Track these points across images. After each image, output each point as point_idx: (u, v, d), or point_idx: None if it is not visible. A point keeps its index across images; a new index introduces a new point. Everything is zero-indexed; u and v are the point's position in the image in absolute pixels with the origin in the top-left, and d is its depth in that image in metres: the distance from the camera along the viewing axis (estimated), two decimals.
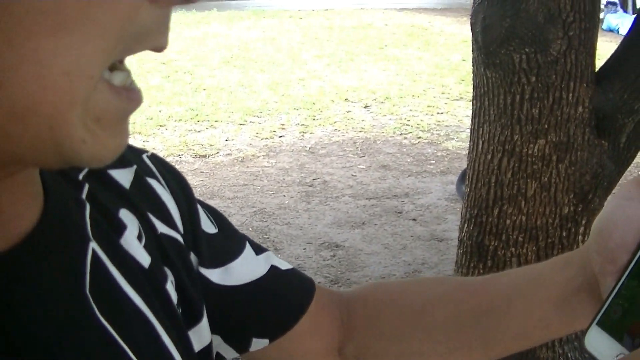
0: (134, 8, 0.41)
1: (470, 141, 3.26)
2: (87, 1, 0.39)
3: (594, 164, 3.03)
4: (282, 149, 7.25)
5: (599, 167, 3.04)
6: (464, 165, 6.54)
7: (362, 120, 8.22)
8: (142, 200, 0.66)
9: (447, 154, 7.14)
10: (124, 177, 0.65)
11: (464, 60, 11.36)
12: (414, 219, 5.52)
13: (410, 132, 7.69)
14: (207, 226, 0.75)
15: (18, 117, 0.40)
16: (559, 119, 2.93)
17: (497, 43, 2.81)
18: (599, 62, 3.03)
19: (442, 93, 9.41)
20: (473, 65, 3.09)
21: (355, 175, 6.45)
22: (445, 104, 8.96)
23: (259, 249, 0.81)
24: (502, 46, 2.81)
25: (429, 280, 0.98)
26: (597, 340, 0.61)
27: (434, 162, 6.90)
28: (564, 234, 3.14)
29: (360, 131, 7.82)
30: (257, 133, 7.72)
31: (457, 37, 13.21)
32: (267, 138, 7.58)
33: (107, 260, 0.57)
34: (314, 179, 6.26)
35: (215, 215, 0.78)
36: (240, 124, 8.01)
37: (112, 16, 0.40)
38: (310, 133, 7.75)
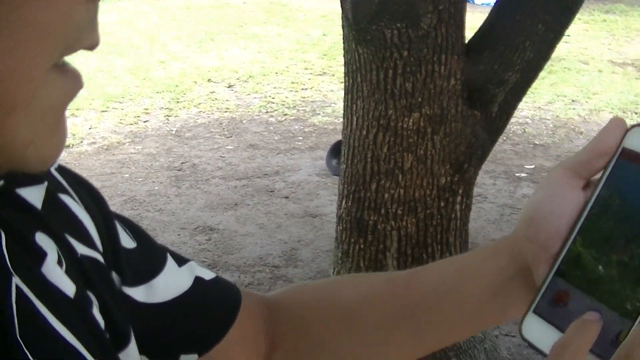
0: (70, 6, 0.40)
1: (344, 118, 3.25)
2: (23, 3, 0.37)
3: (468, 134, 3.08)
4: (148, 134, 7.08)
5: (473, 137, 3.09)
6: (332, 140, 6.62)
7: (227, 101, 8.13)
8: (57, 221, 0.60)
9: (315, 130, 7.16)
10: (34, 195, 0.58)
11: (324, 35, 11.42)
12: (287, 197, 5.51)
13: (276, 110, 7.67)
14: (126, 241, 0.70)
15: None
16: (432, 92, 2.96)
17: (368, 19, 2.80)
18: (472, 35, 3.09)
19: (305, 69, 9.42)
20: (344, 42, 3.07)
21: (224, 157, 6.37)
22: (309, 79, 8.98)
23: (180, 260, 0.76)
24: (373, 22, 2.80)
25: (354, 279, 0.95)
26: (534, 328, 0.61)
27: (301, 138, 6.90)
28: (442, 204, 3.18)
29: (225, 111, 7.73)
30: (121, 119, 7.51)
31: (317, 12, 13.24)
32: (131, 124, 7.39)
33: (32, 295, 0.51)
34: (182, 163, 6.15)
35: (132, 228, 0.73)
36: (103, 111, 7.77)
37: (50, 17, 0.39)
38: (175, 116, 7.60)
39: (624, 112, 8.26)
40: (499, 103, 3.11)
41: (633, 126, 0.61)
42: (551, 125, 7.61)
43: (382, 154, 3.09)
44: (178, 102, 8.06)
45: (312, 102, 8.07)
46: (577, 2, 2.99)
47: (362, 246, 3.27)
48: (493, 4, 3.22)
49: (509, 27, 2.99)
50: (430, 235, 3.22)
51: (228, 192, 5.52)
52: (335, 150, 6.08)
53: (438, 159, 3.09)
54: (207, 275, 0.78)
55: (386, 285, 0.82)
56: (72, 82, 0.44)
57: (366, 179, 3.16)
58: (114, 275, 0.66)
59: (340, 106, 7.71)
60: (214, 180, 5.78)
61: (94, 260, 0.62)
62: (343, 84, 8.67)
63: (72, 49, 0.42)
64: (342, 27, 3.02)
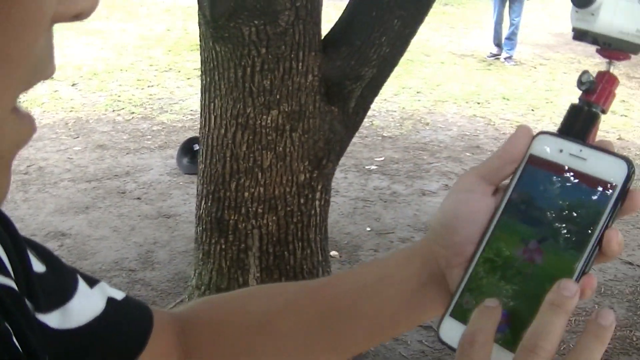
0: (34, 37, 0.36)
1: (201, 117, 3.20)
2: None
3: (326, 130, 3.09)
4: None
5: (331, 133, 3.11)
6: (181, 138, 6.52)
7: (71, 100, 7.84)
8: None
9: (163, 128, 7.03)
10: None
11: (168, 30, 11.25)
12: (139, 198, 5.38)
13: (123, 108, 7.47)
14: (36, 265, 0.66)
15: None
16: (290, 89, 2.95)
17: (225, 16, 2.76)
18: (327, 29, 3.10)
19: (151, 65, 9.24)
20: (200, 40, 3.02)
21: (72, 158, 6.14)
22: (155, 76, 8.81)
23: (91, 281, 0.73)
24: (231, 19, 2.76)
25: (266, 290, 0.94)
26: (452, 331, 0.63)
27: (150, 137, 6.76)
28: (302, 200, 3.18)
29: (70, 111, 7.45)
30: None
31: (160, 6, 13.04)
32: None
33: None
34: (28, 166, 5.87)
35: (39, 250, 0.69)
36: None
37: (15, 49, 0.35)
38: None
39: (466, 102, 8.56)
40: (356, 98, 3.14)
41: (538, 133, 0.65)
42: (398, 117, 7.78)
43: (241, 152, 3.06)
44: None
45: (160, 99, 7.92)
46: None
47: (223, 246, 3.23)
48: None
49: (366, 22, 3.01)
50: (292, 232, 3.21)
51: (78, 195, 5.32)
52: (185, 149, 6.00)
53: (297, 156, 3.08)
54: (118, 295, 0.76)
55: (300, 293, 0.83)
56: (28, 125, 0.40)
57: (225, 179, 3.12)
58: (27, 302, 0.62)
59: (188, 103, 7.69)
60: (62, 183, 5.56)
61: (8, 289, 0.59)
62: (189, 80, 8.57)
63: (31, 84, 0.38)
64: (199, 25, 2.97)
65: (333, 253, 4.45)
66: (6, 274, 0.59)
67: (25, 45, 0.36)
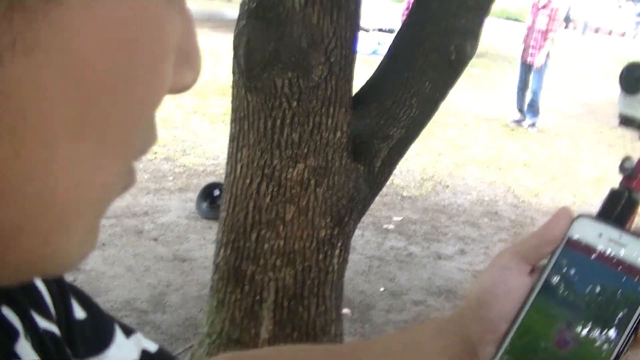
0: (154, 111, 0.39)
1: (227, 164, 3.19)
2: (116, 107, 0.36)
3: (350, 188, 3.08)
4: None
5: (355, 191, 3.10)
6: (202, 182, 6.53)
7: None
8: (19, 292, 0.55)
9: (185, 170, 7.05)
10: None
11: None
12: (156, 239, 5.37)
13: None
14: (77, 311, 0.65)
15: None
16: (318, 144, 2.95)
17: (260, 67, 2.76)
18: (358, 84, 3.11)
19: (177, 106, 9.29)
20: (233, 88, 3.03)
21: None
22: (181, 117, 8.86)
23: (127, 331, 0.72)
24: (265, 70, 2.77)
25: (294, 352, 0.93)
26: None
27: (172, 178, 6.78)
28: (320, 257, 3.16)
29: None
30: None
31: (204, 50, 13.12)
32: None
33: None
34: None
35: (80, 296, 0.68)
36: None
37: (137, 122, 0.38)
38: None
39: (487, 167, 8.55)
40: (383, 158, 3.14)
41: (578, 216, 0.65)
42: (419, 178, 7.78)
43: (264, 204, 3.04)
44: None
45: (183, 141, 7.96)
46: (462, 63, 3.06)
47: (238, 296, 3.20)
48: (383, 55, 3.25)
49: (397, 82, 3.02)
50: (307, 287, 3.18)
51: None
52: (206, 193, 6.01)
53: (319, 212, 3.07)
54: (152, 347, 0.75)
55: (328, 358, 0.82)
56: (132, 180, 0.42)
57: (247, 229, 3.10)
58: (67, 349, 0.62)
59: (211, 147, 7.71)
60: None
61: (52, 335, 0.58)
62: (214, 125, 8.62)
63: (144, 152, 0.41)
64: (233, 72, 2.97)
65: (345, 310, 4.41)
66: (50, 318, 0.59)
67: (145, 119, 0.39)
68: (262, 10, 2.73)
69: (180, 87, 0.42)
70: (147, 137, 0.40)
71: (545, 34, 10.63)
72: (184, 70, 0.41)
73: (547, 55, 10.78)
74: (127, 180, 0.41)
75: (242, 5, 2.85)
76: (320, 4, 2.73)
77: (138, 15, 0.36)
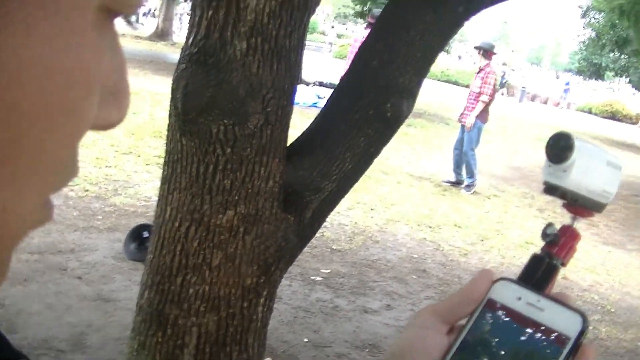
0: (76, 145, 0.40)
1: (157, 207, 3.17)
2: (41, 136, 0.36)
3: (279, 238, 3.09)
4: None
5: (284, 241, 3.10)
6: (132, 222, 6.46)
7: None
8: None
9: (115, 210, 6.96)
10: None
11: (134, 113, 11.28)
12: (80, 277, 5.28)
13: (78, 184, 7.38)
14: None
15: None
16: (249, 192, 2.95)
17: (196, 111, 2.77)
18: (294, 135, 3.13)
19: (112, 145, 9.22)
20: (168, 130, 3.02)
21: None
22: (114, 157, 8.78)
23: None
24: (201, 115, 2.78)
25: None
26: None
27: (101, 217, 6.68)
28: (245, 304, 3.15)
29: None
30: None
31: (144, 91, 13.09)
32: None
33: None
34: None
35: None
36: None
37: (59, 153, 0.38)
38: None
39: (418, 224, 8.63)
40: (313, 210, 3.16)
41: (499, 279, 0.66)
42: (349, 232, 7.81)
43: (192, 248, 3.03)
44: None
45: (115, 181, 7.88)
46: (398, 121, 3.11)
47: (159, 339, 3.16)
48: (321, 108, 3.29)
49: (332, 136, 3.05)
50: (230, 334, 3.16)
51: (18, 265, 5.20)
52: (135, 234, 5.94)
53: (247, 259, 3.06)
54: None
55: None
56: (48, 215, 0.42)
57: (172, 272, 3.08)
58: None
59: (143, 189, 7.65)
60: None
61: None
62: (147, 166, 8.54)
63: (63, 183, 0.41)
64: (169, 115, 2.97)
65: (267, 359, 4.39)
66: None
67: (67, 151, 0.39)
68: (203, 56, 2.75)
69: (104, 124, 0.41)
70: (67, 169, 0.40)
71: (477, 96, 10.92)
72: (110, 107, 0.41)
73: (483, 117, 11.03)
74: (43, 213, 0.41)
75: (183, 49, 2.86)
76: (261, 53, 2.76)
77: (73, 46, 0.36)
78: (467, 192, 11.09)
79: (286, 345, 4.84)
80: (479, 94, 10.92)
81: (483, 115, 11.06)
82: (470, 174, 11.25)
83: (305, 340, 4.99)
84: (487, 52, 11.17)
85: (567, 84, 48.37)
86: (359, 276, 6.51)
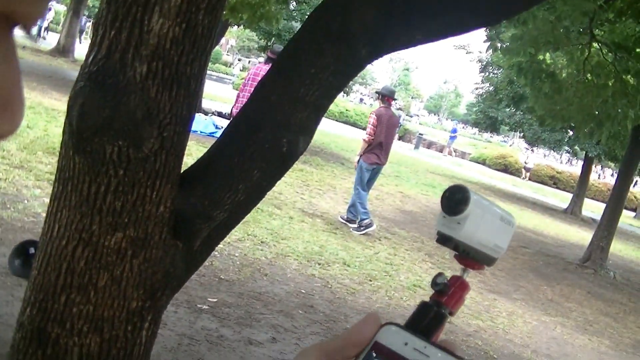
0: None
1: (45, 223, 3.13)
2: None
3: (167, 263, 3.09)
4: None
5: (171, 267, 3.11)
6: (19, 237, 6.32)
7: None
8: None
9: (2, 224, 6.80)
10: None
11: (29, 127, 11.03)
12: None
13: None
14: None
15: None
16: (140, 216, 2.95)
17: (92, 131, 2.77)
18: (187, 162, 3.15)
19: (2, 158, 9.00)
20: (61, 147, 3.00)
21: None
22: (5, 170, 8.56)
23: None
24: (96, 135, 2.77)
25: None
26: None
27: None
28: (129, 327, 3.13)
29: None
30: None
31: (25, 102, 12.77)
32: None
33: None
34: None
35: None
36: None
37: None
38: None
39: (308, 260, 8.70)
40: (203, 238, 3.18)
41: (386, 323, 0.67)
42: (238, 263, 7.82)
43: (77, 267, 3.00)
44: None
45: (4, 194, 7.69)
46: (293, 156, 3.16)
47: (39, 358, 3.11)
48: (217, 137, 3.32)
49: (226, 167, 3.09)
50: (112, 357, 3.13)
51: None
52: (20, 250, 5.81)
53: (133, 283, 3.05)
54: None
55: None
56: None
57: (57, 290, 3.04)
58: None
59: (33, 204, 7.50)
60: None
61: None
62: (39, 182, 8.35)
63: None
64: (63, 132, 2.96)
65: None
66: None
67: None
68: (102, 76, 2.75)
69: None
70: None
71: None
72: (1, 118, 0.41)
73: (367, 157, 11.31)
74: None
75: (82, 67, 2.86)
76: (161, 78, 2.78)
77: None
78: (357, 233, 11.25)
79: None
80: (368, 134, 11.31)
81: (367, 156, 11.34)
82: (354, 213, 11.43)
83: None
84: (384, 97, 11.49)
85: (454, 131, 49.65)
86: (245, 307, 6.52)
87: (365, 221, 11.33)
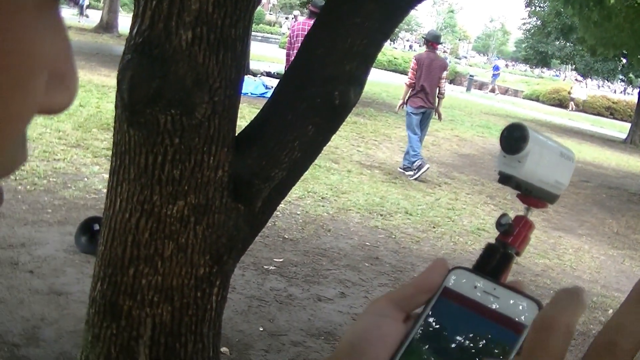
0: (21, 129, 0.39)
1: (107, 198, 3.16)
2: None
3: (230, 227, 3.10)
4: None
5: (235, 230, 3.12)
6: (82, 215, 6.41)
7: None
8: None
9: (65, 203, 6.89)
10: None
11: (81, 105, 11.16)
12: (31, 271, 5.22)
13: (26, 179, 7.31)
14: None
15: None
16: (199, 182, 2.96)
17: (143, 102, 2.77)
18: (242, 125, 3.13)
19: (59, 139, 9.12)
20: (115, 122, 3.02)
21: None
22: (62, 150, 8.68)
23: None
24: (148, 106, 2.78)
25: None
26: None
27: (50, 211, 6.61)
28: (199, 294, 3.16)
29: None
30: None
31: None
32: None
33: None
34: None
35: None
36: None
37: (3, 138, 0.38)
38: None
39: (369, 213, 8.68)
40: (263, 198, 3.17)
41: (454, 268, 0.67)
42: (301, 221, 7.83)
43: (143, 239, 3.03)
44: None
45: (64, 174, 7.80)
46: (346, 108, 3.13)
47: (114, 331, 3.16)
48: (268, 97, 3.30)
49: (280, 125, 3.07)
50: (185, 325, 3.17)
51: None
52: (85, 227, 5.90)
53: (199, 249, 3.07)
54: None
55: None
56: None
57: (124, 263, 3.08)
58: None
59: (92, 181, 7.59)
60: None
61: None
62: (96, 159, 8.46)
63: (9, 171, 0.40)
64: (115, 107, 2.97)
65: (223, 349, 4.40)
66: None
67: (12, 135, 0.38)
68: (148, 47, 2.75)
69: (53, 108, 0.41)
70: (15, 154, 0.40)
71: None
72: (58, 91, 0.41)
73: (412, 102, 11.25)
74: None
75: (128, 40, 2.85)
76: (207, 43, 2.77)
77: (8, 27, 0.35)
78: (412, 178, 11.19)
79: (241, 334, 4.86)
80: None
81: (412, 100, 11.27)
82: (411, 159, 11.38)
83: (260, 329, 5.01)
84: (428, 42, 11.38)
85: (496, 68, 48.59)
86: (311, 265, 6.54)
87: (416, 163, 11.24)
